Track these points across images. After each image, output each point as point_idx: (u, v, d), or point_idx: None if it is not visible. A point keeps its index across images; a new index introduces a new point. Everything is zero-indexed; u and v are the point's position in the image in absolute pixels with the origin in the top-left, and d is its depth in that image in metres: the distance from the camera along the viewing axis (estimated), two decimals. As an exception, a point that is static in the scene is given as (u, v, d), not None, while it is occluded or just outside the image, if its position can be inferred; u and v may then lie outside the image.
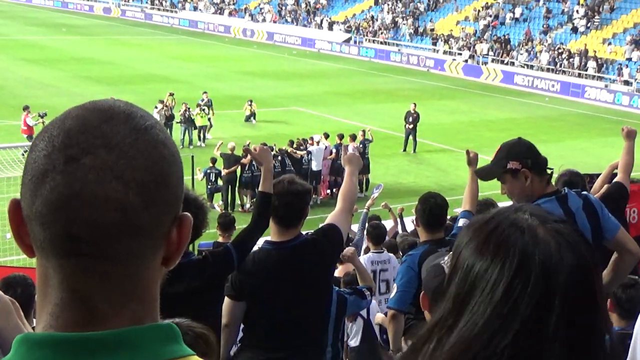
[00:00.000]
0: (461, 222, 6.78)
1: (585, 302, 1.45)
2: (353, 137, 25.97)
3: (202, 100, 31.67)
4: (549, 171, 4.98)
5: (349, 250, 6.66)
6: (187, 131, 30.66)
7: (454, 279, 1.52)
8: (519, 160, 4.84)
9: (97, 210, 1.27)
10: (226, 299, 5.26)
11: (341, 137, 26.42)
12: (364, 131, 27.28)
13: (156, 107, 30.05)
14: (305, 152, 25.47)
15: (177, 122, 30.44)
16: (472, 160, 6.79)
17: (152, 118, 1.39)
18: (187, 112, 30.50)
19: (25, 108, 27.77)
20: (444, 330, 1.50)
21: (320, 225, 5.80)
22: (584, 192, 5.23)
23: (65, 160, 1.28)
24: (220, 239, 11.63)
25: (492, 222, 1.52)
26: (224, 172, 24.19)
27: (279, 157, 24.31)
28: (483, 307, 1.44)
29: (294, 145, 25.65)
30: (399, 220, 16.71)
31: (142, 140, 1.32)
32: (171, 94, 31.56)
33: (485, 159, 4.93)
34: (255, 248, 5.42)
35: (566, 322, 1.42)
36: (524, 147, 4.92)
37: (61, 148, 1.30)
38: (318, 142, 26.01)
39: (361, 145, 25.95)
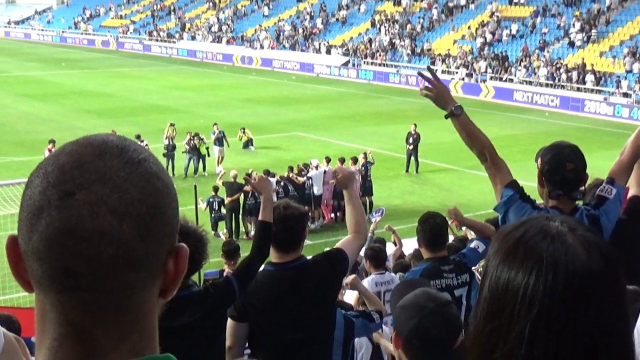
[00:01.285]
0: (473, 244, 6.83)
1: (613, 308, 1.46)
2: (354, 160, 25.96)
3: (214, 132, 31.55)
4: (576, 189, 4.68)
5: (349, 277, 6.64)
6: (191, 160, 30.68)
7: (486, 284, 1.51)
8: (541, 159, 4.70)
9: (93, 245, 1.28)
10: (229, 320, 5.28)
11: (342, 160, 26.42)
12: (365, 154, 27.29)
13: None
14: (306, 177, 25.49)
15: (182, 152, 30.45)
16: (461, 221, 6.94)
17: (145, 151, 1.40)
18: (192, 141, 30.49)
19: (51, 141, 27.52)
20: (484, 338, 1.50)
21: (328, 249, 5.82)
22: (596, 213, 4.78)
23: (60, 195, 1.29)
24: (225, 267, 11.62)
25: (521, 228, 1.52)
26: (226, 200, 24.17)
27: (282, 183, 24.32)
28: (516, 313, 1.44)
29: (295, 171, 25.67)
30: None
31: (135, 174, 1.33)
32: (172, 124, 31.53)
33: (485, 176, 4.88)
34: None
35: (593, 327, 1.43)
36: (552, 151, 4.69)
37: (56, 184, 1.30)
38: (317, 167, 26.02)
39: (363, 168, 25.95)
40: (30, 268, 1.33)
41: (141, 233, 1.31)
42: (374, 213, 16.94)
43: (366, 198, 25.46)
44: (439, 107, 4.84)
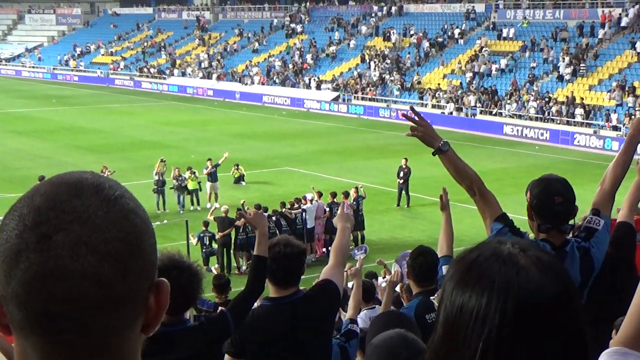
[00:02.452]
0: (444, 270, 6.83)
1: (567, 329, 1.45)
2: (346, 195, 25.99)
3: (207, 167, 31.53)
4: (568, 222, 4.66)
5: (353, 268, 6.65)
6: (180, 196, 30.75)
7: (442, 309, 1.51)
8: (530, 193, 4.68)
9: (74, 286, 1.26)
10: (226, 356, 5.25)
11: (334, 195, 26.48)
12: (356, 188, 27.33)
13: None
14: (300, 210, 25.51)
15: (170, 188, 30.45)
16: (445, 205, 6.82)
17: (121, 187, 1.38)
18: (180, 177, 30.54)
19: (41, 178, 27.45)
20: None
21: (316, 281, 5.81)
22: (587, 245, 4.77)
23: (37, 238, 1.27)
24: (217, 301, 11.61)
25: (474, 253, 1.52)
26: (218, 235, 24.14)
27: (274, 218, 24.32)
28: (469, 336, 1.43)
29: (287, 207, 25.69)
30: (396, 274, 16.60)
31: (113, 211, 1.31)
32: (162, 160, 31.49)
33: (474, 209, 4.89)
34: (255, 304, 5.42)
35: (545, 349, 1.41)
36: (540, 185, 4.67)
37: (32, 226, 1.28)
38: (311, 200, 26.07)
39: (354, 202, 25.97)
40: (9, 312, 1.30)
41: (122, 272, 1.30)
42: (356, 250, 16.93)
43: (358, 232, 25.48)
44: (426, 145, 4.87)
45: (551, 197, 4.57)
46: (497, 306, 1.42)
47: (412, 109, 5.16)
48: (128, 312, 1.33)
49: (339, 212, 6.01)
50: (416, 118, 4.86)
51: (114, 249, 1.29)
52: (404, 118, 5.08)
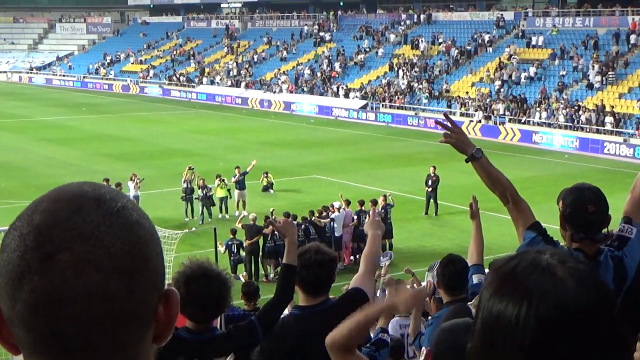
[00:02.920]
0: (475, 279, 6.77)
1: (603, 340, 1.44)
2: (374, 203, 25.92)
3: (235, 175, 31.53)
4: (601, 231, 4.60)
5: (387, 276, 6.63)
6: (204, 206, 30.38)
7: (479, 317, 1.51)
8: (562, 202, 4.63)
9: (81, 306, 1.23)
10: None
11: (362, 203, 26.45)
12: (385, 196, 27.27)
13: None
14: (329, 219, 25.51)
15: (195, 198, 30.51)
16: (475, 213, 6.78)
17: (123, 197, 1.35)
18: (206, 189, 30.32)
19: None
20: None
21: (346, 290, 5.78)
22: (620, 254, 4.70)
23: (40, 259, 1.23)
24: (246, 308, 11.61)
25: (513, 262, 1.52)
26: (246, 243, 24.16)
27: (303, 226, 24.30)
28: (508, 346, 1.43)
29: (316, 215, 25.68)
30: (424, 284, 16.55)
31: (116, 225, 1.28)
32: (191, 168, 31.50)
33: (504, 217, 4.86)
34: (285, 312, 5.40)
35: (583, 359, 1.42)
36: (573, 194, 4.62)
37: (34, 247, 1.24)
38: (339, 209, 26.05)
39: (383, 211, 25.90)
40: (16, 334, 1.28)
41: (129, 286, 1.27)
42: (381, 257, 16.85)
43: (386, 240, 25.40)
44: (459, 152, 4.84)
45: (584, 206, 4.53)
46: (534, 316, 1.41)
47: (445, 115, 5.14)
48: (137, 325, 1.30)
49: (369, 219, 5.97)
50: (449, 125, 4.83)
51: (119, 263, 1.26)
52: (436, 125, 5.09)
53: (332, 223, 25.52)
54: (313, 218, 25.39)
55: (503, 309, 1.45)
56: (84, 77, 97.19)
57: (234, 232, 24.31)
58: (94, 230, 1.26)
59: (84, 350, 1.26)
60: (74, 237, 1.25)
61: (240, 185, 31.41)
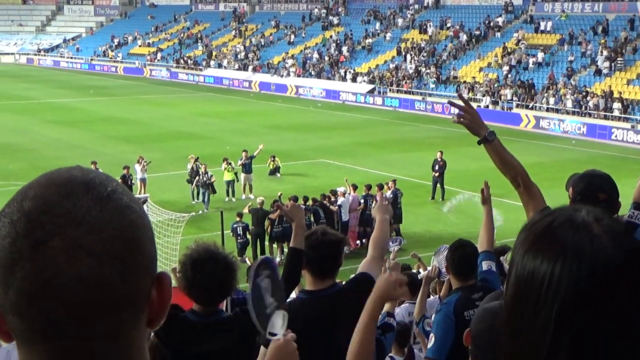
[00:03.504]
0: (485, 266, 6.75)
1: (635, 303, 1.44)
2: (380, 187, 25.88)
3: (242, 158, 31.47)
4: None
5: (392, 262, 6.61)
6: (205, 194, 29.61)
7: (512, 272, 1.50)
8: (572, 189, 4.63)
9: (74, 292, 1.22)
10: (262, 348, 5.24)
11: (369, 187, 26.45)
12: (394, 181, 27.23)
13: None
14: (336, 207, 25.51)
15: (196, 185, 30.01)
16: (486, 199, 6.74)
17: (112, 181, 1.34)
18: (206, 177, 29.69)
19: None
20: (513, 322, 1.49)
21: (353, 275, 5.78)
22: None
23: (31, 245, 1.22)
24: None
25: (548, 218, 1.51)
26: (251, 226, 24.17)
27: (311, 211, 24.29)
28: (541, 301, 1.43)
29: (325, 201, 25.70)
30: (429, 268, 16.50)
31: (107, 209, 1.27)
32: (196, 159, 31.11)
33: (512, 203, 4.86)
34: (292, 296, 5.40)
35: (617, 317, 1.41)
36: (583, 180, 4.62)
37: (25, 233, 1.23)
38: (344, 194, 26.02)
39: (392, 195, 25.85)
40: (9, 321, 1.27)
41: (122, 271, 1.26)
42: (390, 242, 16.82)
43: (396, 225, 25.38)
44: (472, 133, 4.77)
45: (595, 194, 4.49)
46: (570, 272, 1.41)
47: (460, 96, 5.05)
48: (132, 311, 1.30)
49: (377, 203, 5.94)
50: (463, 105, 4.76)
51: (111, 248, 1.25)
52: (443, 110, 5.03)
53: (339, 209, 25.54)
54: (325, 201, 25.35)
55: (538, 265, 1.44)
56: (91, 59, 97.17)
57: (240, 215, 24.34)
58: (85, 215, 1.25)
59: (78, 337, 1.25)
60: (65, 223, 1.24)
61: (247, 168, 31.38)
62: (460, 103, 4.78)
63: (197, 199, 30.16)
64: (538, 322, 1.43)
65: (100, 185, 1.30)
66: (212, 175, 29.78)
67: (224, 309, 7.15)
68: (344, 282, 5.63)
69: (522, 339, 1.46)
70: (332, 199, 25.82)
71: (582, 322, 1.41)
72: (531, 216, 4.67)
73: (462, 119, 4.74)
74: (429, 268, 9.44)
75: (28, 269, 1.22)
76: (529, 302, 1.45)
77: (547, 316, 1.42)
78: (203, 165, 30.32)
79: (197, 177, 29.82)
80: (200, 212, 27.58)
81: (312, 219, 23.26)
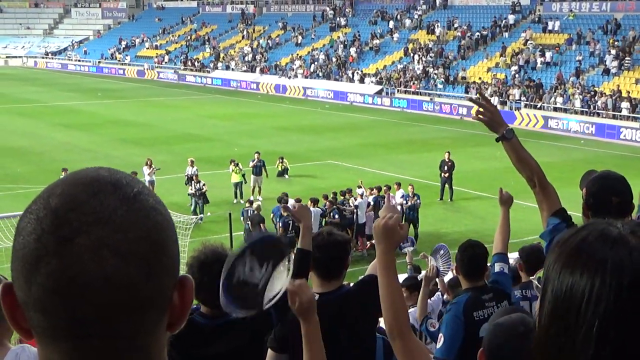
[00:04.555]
0: (497, 267, 6.72)
1: None
2: (388, 188, 25.94)
3: (253, 160, 31.46)
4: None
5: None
6: (197, 204, 28.41)
7: (548, 289, 1.48)
8: (586, 190, 4.58)
9: (99, 291, 1.22)
10: (269, 351, 5.23)
11: (379, 189, 26.49)
12: (412, 185, 27.39)
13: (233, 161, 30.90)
14: (353, 207, 25.54)
15: (187, 194, 28.94)
16: (506, 199, 6.67)
17: (139, 183, 1.34)
18: (198, 185, 28.55)
19: (64, 170, 27.73)
20: (551, 340, 1.47)
21: (361, 277, 5.76)
22: None
23: (57, 242, 1.22)
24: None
25: (582, 233, 1.49)
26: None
27: (330, 213, 24.54)
28: (582, 314, 1.41)
29: (340, 198, 25.82)
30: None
31: (133, 210, 1.27)
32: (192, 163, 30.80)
33: (521, 204, 4.84)
34: None
35: None
36: (598, 183, 4.57)
37: (51, 230, 1.23)
38: (362, 195, 26.11)
39: (406, 198, 26.17)
40: (31, 319, 1.27)
41: (146, 272, 1.26)
42: (402, 243, 16.81)
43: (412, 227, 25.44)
44: (491, 130, 4.76)
45: (609, 197, 4.46)
46: (612, 285, 1.39)
47: (481, 94, 5.05)
48: (154, 312, 1.30)
49: (385, 203, 5.92)
50: (483, 102, 4.76)
51: (137, 249, 1.25)
52: (457, 112, 5.02)
53: (356, 210, 25.53)
54: (339, 206, 25.39)
55: (577, 280, 1.42)
56: (99, 62, 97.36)
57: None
58: (112, 215, 1.25)
59: (100, 337, 1.25)
60: (92, 221, 1.24)
61: (257, 170, 31.39)
62: (482, 101, 4.77)
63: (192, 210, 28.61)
64: (579, 337, 1.41)
65: (127, 185, 1.31)
66: (204, 185, 28.83)
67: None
68: (351, 284, 5.61)
69: (562, 356, 1.44)
70: (347, 196, 25.90)
71: (624, 335, 1.39)
72: (545, 216, 4.63)
73: (480, 116, 4.72)
74: (428, 267, 9.40)
75: (53, 265, 1.22)
76: (569, 318, 1.43)
77: (588, 331, 1.40)
78: (195, 173, 29.71)
79: (190, 186, 28.89)
80: (209, 214, 27.60)
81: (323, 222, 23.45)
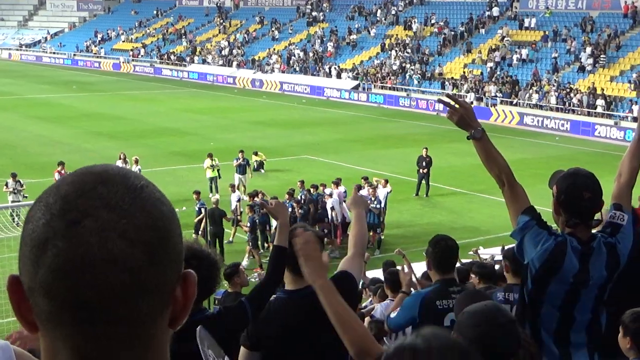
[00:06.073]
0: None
1: None
2: (358, 187, 25.70)
3: (237, 159, 31.38)
4: (594, 219, 4.68)
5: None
6: None
7: None
8: (557, 187, 4.65)
9: (105, 273, 1.24)
10: (242, 348, 5.22)
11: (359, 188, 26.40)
12: (386, 180, 27.02)
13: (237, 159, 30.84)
14: (330, 209, 25.38)
15: None
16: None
17: (144, 178, 1.38)
18: None
19: (60, 163, 27.66)
20: None
21: (334, 273, 5.76)
22: (613, 240, 4.72)
23: (66, 225, 1.25)
24: (229, 289, 11.62)
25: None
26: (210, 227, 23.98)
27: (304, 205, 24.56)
28: None
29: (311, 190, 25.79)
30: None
31: (140, 199, 1.31)
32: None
33: (495, 199, 4.87)
34: (271, 297, 5.39)
35: None
36: (568, 180, 4.63)
37: (60, 214, 1.27)
38: (331, 194, 25.63)
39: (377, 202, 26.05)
40: (36, 305, 1.29)
41: (151, 259, 1.28)
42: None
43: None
44: (462, 129, 4.82)
45: (580, 192, 4.53)
46: None
47: (448, 95, 5.09)
48: (157, 302, 1.31)
49: (352, 196, 5.91)
50: (451, 102, 4.78)
51: (143, 235, 1.28)
52: (427, 106, 5.06)
53: (332, 211, 25.15)
54: (326, 197, 25.34)
55: None
56: (74, 54, 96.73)
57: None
58: (119, 201, 1.28)
59: (104, 321, 1.27)
60: (99, 206, 1.27)
61: (241, 170, 31.31)
62: (449, 101, 4.79)
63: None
64: None
65: (135, 178, 1.35)
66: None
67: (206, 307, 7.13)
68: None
69: None
70: (320, 193, 25.83)
71: None
72: (514, 215, 4.69)
73: (452, 116, 4.77)
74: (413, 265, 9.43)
75: (60, 246, 1.24)
76: None
77: None
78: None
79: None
80: (184, 208, 27.52)
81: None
